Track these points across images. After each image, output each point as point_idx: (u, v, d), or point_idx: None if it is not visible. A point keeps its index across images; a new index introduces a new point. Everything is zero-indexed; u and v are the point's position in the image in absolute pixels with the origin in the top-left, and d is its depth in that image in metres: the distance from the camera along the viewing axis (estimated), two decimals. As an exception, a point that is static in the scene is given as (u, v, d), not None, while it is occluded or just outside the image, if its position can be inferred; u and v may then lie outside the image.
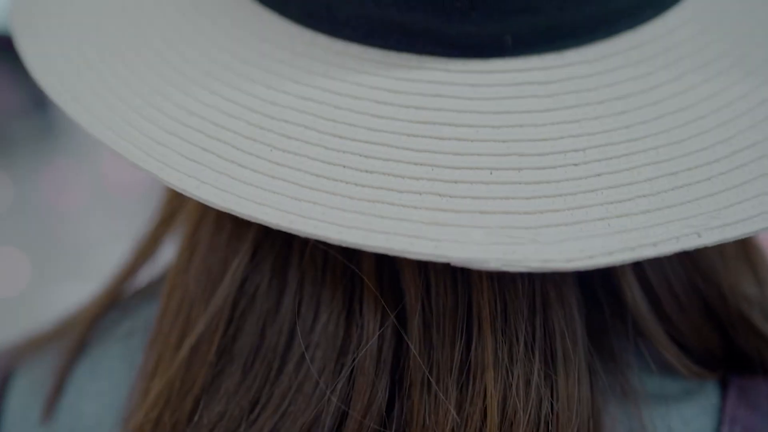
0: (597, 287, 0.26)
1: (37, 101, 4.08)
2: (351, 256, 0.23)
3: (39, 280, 2.27)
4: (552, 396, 0.22)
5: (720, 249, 0.27)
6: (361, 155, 0.21)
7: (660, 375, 0.27)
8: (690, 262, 0.27)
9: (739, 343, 0.27)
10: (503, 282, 0.23)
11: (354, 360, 0.23)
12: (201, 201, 0.21)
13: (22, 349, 0.31)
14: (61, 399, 0.28)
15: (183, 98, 0.23)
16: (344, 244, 0.20)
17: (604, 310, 0.26)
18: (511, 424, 0.22)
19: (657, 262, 0.26)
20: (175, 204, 0.29)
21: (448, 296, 0.23)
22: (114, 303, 0.31)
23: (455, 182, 0.20)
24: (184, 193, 0.21)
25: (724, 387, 0.27)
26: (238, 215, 0.21)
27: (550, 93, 0.22)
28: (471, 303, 0.23)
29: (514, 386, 0.22)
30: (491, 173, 0.21)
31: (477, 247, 0.19)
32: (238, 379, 0.24)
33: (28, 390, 0.29)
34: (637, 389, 0.26)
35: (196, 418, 0.24)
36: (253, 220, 0.20)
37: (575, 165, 0.21)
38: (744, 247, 0.29)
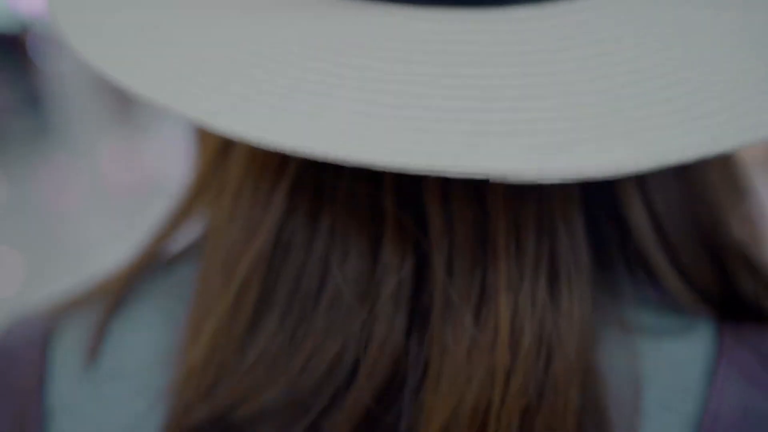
0: (602, 214, 0.27)
1: (33, 100, 4.07)
2: (376, 197, 0.25)
3: (35, 279, 2.27)
4: (554, 316, 0.24)
5: (717, 181, 0.29)
6: (396, 91, 0.22)
7: (657, 309, 0.28)
8: (691, 190, 0.28)
9: (736, 281, 0.28)
10: (516, 208, 0.24)
11: (379, 295, 0.25)
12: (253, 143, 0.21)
13: (61, 308, 0.33)
14: (104, 350, 0.30)
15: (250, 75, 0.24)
16: (390, 170, 0.20)
17: (608, 238, 0.27)
18: (519, 340, 0.24)
19: (663, 188, 0.27)
20: (215, 163, 0.29)
21: (470, 227, 0.25)
22: (151, 264, 0.32)
23: (489, 108, 0.21)
24: (233, 137, 0.22)
25: (720, 329, 0.27)
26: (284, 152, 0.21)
27: (563, 36, 0.23)
28: (488, 231, 0.25)
29: (521, 306, 0.24)
30: (517, 100, 0.22)
31: (514, 160, 0.20)
32: (278, 320, 0.26)
33: (69, 344, 0.31)
34: (633, 321, 0.27)
35: (241, 356, 0.26)
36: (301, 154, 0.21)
37: (602, 91, 0.22)
38: (737, 183, 0.31)
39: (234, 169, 0.28)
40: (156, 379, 0.29)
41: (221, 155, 0.28)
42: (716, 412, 0.26)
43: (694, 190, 0.28)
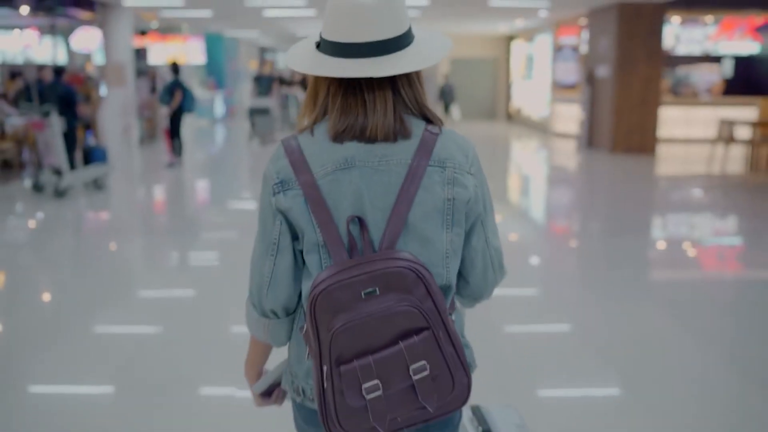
0: (401, 90, 1.25)
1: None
2: (355, 87, 1.24)
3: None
4: (389, 113, 1.23)
5: (422, 89, 1.29)
6: (318, 64, 1.25)
7: (415, 119, 1.26)
8: (416, 84, 1.27)
9: (428, 115, 1.27)
10: (374, 84, 1.23)
11: (366, 101, 1.23)
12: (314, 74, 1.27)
13: (292, 135, 1.30)
14: (297, 150, 1.25)
15: (309, 61, 1.27)
16: (318, 73, 1.25)
17: (401, 98, 1.25)
18: (383, 122, 1.22)
19: (408, 81, 1.26)
20: (313, 82, 1.29)
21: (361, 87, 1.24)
22: (303, 127, 1.30)
23: (353, 67, 1.22)
24: (311, 73, 1.26)
25: (427, 124, 1.27)
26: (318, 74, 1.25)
27: (387, 60, 1.22)
28: (364, 84, 1.23)
29: (381, 111, 1.22)
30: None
31: (367, 70, 1.20)
32: (340, 111, 1.23)
33: (300, 137, 1.27)
34: (412, 123, 1.25)
35: (323, 119, 1.27)
36: (320, 74, 1.25)
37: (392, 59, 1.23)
38: (424, 93, 1.28)
39: (314, 89, 1.30)
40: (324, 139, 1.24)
41: (312, 79, 1.30)
42: (421, 143, 1.24)
43: (417, 84, 1.28)
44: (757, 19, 15.57)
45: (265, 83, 14.61)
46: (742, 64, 16.48)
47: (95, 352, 3.70)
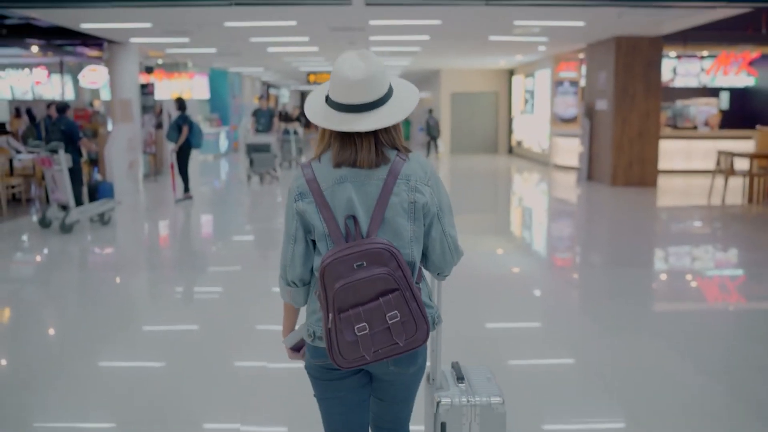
0: (380, 135, 1.80)
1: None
2: (349, 133, 1.78)
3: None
4: (372, 151, 1.78)
5: (396, 132, 1.83)
6: (326, 113, 1.80)
7: (390, 150, 1.81)
8: (393, 131, 1.83)
9: (399, 147, 1.83)
10: (362, 132, 1.78)
11: (361, 146, 1.78)
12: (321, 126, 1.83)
13: (307, 162, 1.86)
14: (316, 162, 1.83)
15: (320, 115, 1.82)
16: (325, 126, 1.80)
17: (381, 140, 1.80)
18: (369, 155, 1.78)
19: (386, 131, 1.81)
20: (320, 132, 1.86)
21: (349, 137, 1.80)
22: (316, 157, 1.85)
23: (346, 122, 1.77)
24: (320, 125, 1.82)
25: (398, 152, 1.83)
26: (323, 127, 1.82)
27: (375, 116, 1.79)
28: (353, 137, 1.80)
29: (366, 150, 1.78)
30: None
31: (356, 126, 1.75)
32: (339, 148, 1.79)
33: (314, 165, 1.83)
34: (388, 153, 1.81)
35: (327, 150, 1.84)
36: (326, 128, 1.81)
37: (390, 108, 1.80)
38: (398, 134, 1.83)
39: (322, 131, 1.85)
40: (328, 164, 1.80)
41: (321, 130, 1.85)
42: (392, 168, 1.79)
43: (392, 130, 1.82)
44: (752, 53, 15.79)
45: (264, 118, 13.81)
46: (739, 96, 16.67)
47: (99, 387, 3.76)
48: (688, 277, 6.39)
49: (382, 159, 1.78)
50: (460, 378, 2.14)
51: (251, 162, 13.08)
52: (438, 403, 2.04)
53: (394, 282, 1.70)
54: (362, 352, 1.72)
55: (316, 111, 1.82)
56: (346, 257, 1.69)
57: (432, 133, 19.19)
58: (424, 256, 1.89)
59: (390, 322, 1.70)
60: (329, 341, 1.73)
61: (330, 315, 1.71)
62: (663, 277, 6.48)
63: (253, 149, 13.14)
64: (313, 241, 1.84)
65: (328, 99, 1.80)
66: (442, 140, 19.91)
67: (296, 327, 2.01)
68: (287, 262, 1.85)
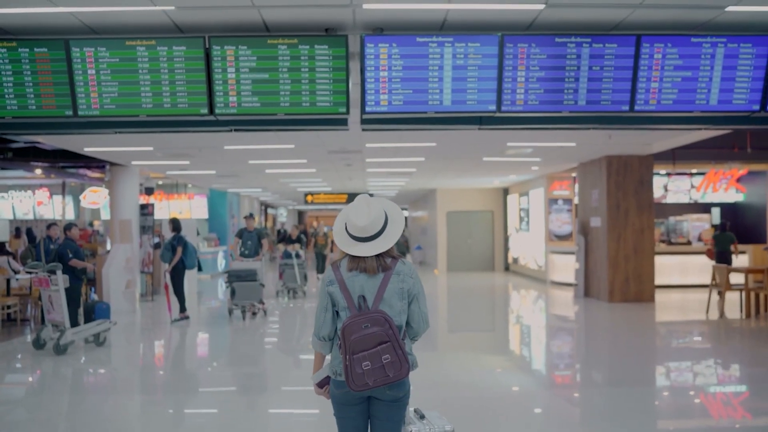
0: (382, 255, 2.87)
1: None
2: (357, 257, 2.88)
3: None
4: (375, 262, 2.85)
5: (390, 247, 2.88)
6: (345, 241, 2.87)
7: (392, 259, 2.86)
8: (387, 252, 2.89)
9: (392, 254, 2.88)
10: (364, 259, 2.86)
11: (366, 264, 2.83)
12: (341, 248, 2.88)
13: (334, 263, 2.93)
14: (337, 266, 2.90)
15: (344, 243, 2.87)
16: (347, 252, 2.86)
17: (381, 255, 2.85)
18: (374, 263, 2.87)
19: (387, 253, 2.87)
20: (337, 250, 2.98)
21: (359, 261, 2.86)
22: (336, 261, 2.92)
23: (355, 247, 2.87)
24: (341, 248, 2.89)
25: (397, 259, 2.90)
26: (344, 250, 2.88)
27: (376, 244, 2.89)
28: (364, 260, 2.86)
29: (370, 261, 2.85)
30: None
31: (364, 252, 2.83)
32: (350, 260, 2.85)
33: (337, 267, 2.88)
34: (389, 261, 2.85)
35: (344, 258, 2.90)
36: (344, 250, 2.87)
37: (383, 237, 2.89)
38: (391, 248, 2.87)
39: (337, 249, 2.93)
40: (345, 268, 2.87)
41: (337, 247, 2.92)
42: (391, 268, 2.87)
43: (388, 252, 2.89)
44: (739, 170, 16.21)
45: (251, 241, 11.77)
46: (729, 211, 16.96)
47: None
48: (690, 393, 6.28)
49: (382, 266, 2.81)
50: (421, 416, 3.01)
51: (232, 292, 11.12)
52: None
53: (387, 337, 2.69)
54: (366, 380, 2.68)
55: (342, 240, 2.85)
56: (358, 321, 2.69)
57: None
58: (407, 324, 2.88)
59: (384, 361, 2.68)
60: (347, 373, 2.69)
61: (347, 356, 2.68)
62: (664, 394, 6.36)
63: (235, 277, 11.14)
64: (336, 312, 2.83)
65: (346, 229, 2.84)
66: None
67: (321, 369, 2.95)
68: (320, 324, 2.84)
